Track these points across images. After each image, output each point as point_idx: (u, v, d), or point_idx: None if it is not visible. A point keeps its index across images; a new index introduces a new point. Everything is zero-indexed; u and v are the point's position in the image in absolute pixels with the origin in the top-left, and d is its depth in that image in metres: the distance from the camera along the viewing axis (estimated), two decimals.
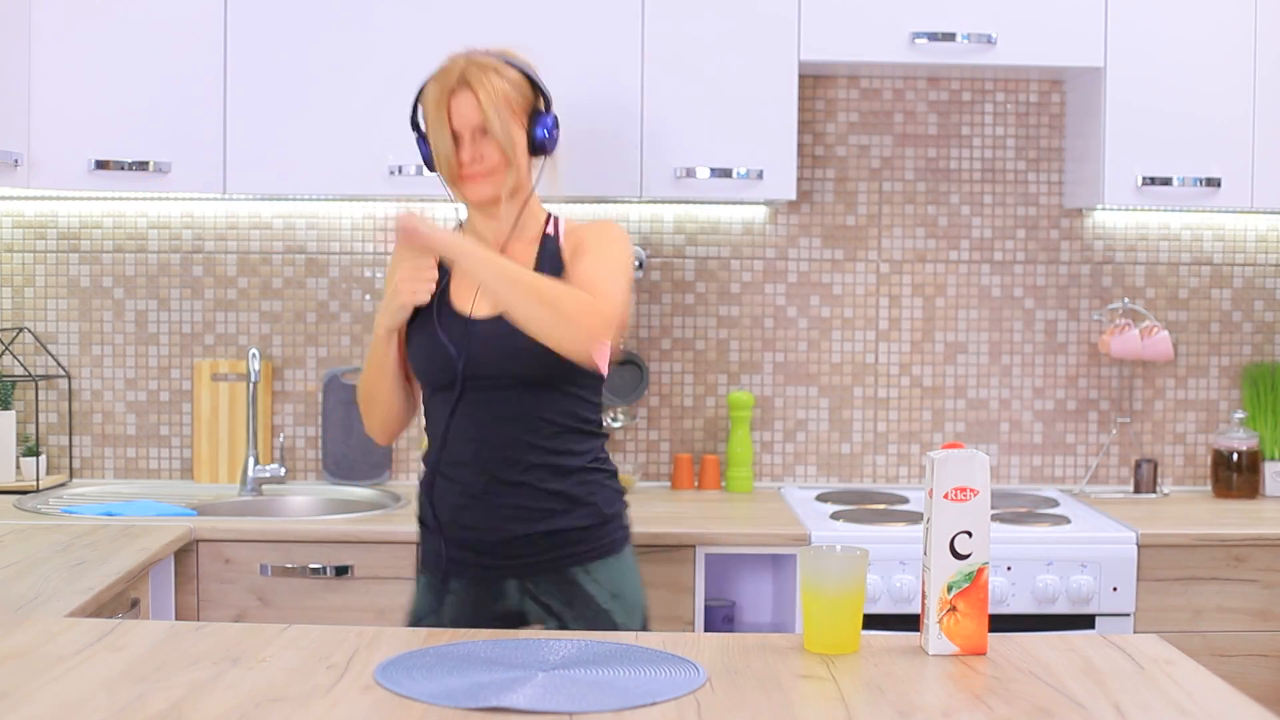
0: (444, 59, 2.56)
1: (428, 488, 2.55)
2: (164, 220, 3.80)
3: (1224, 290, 3.89)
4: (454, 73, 2.48)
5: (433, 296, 2.50)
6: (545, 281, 2.39)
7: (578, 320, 2.36)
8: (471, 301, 2.49)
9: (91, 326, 3.80)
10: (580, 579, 2.47)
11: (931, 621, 2.00)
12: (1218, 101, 3.52)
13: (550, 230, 2.58)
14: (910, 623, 3.14)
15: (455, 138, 2.48)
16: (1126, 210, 3.82)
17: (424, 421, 2.60)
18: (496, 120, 2.46)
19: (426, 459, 2.57)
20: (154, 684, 1.81)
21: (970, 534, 2.00)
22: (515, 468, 2.46)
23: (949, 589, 2.00)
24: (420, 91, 2.56)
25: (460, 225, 2.65)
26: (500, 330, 2.43)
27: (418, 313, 2.52)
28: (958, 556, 2.00)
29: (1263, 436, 3.78)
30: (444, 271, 2.54)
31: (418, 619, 2.55)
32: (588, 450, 2.52)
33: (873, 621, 2.58)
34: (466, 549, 2.49)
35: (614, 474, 2.57)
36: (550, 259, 2.53)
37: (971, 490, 2.01)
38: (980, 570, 2.00)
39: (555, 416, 2.48)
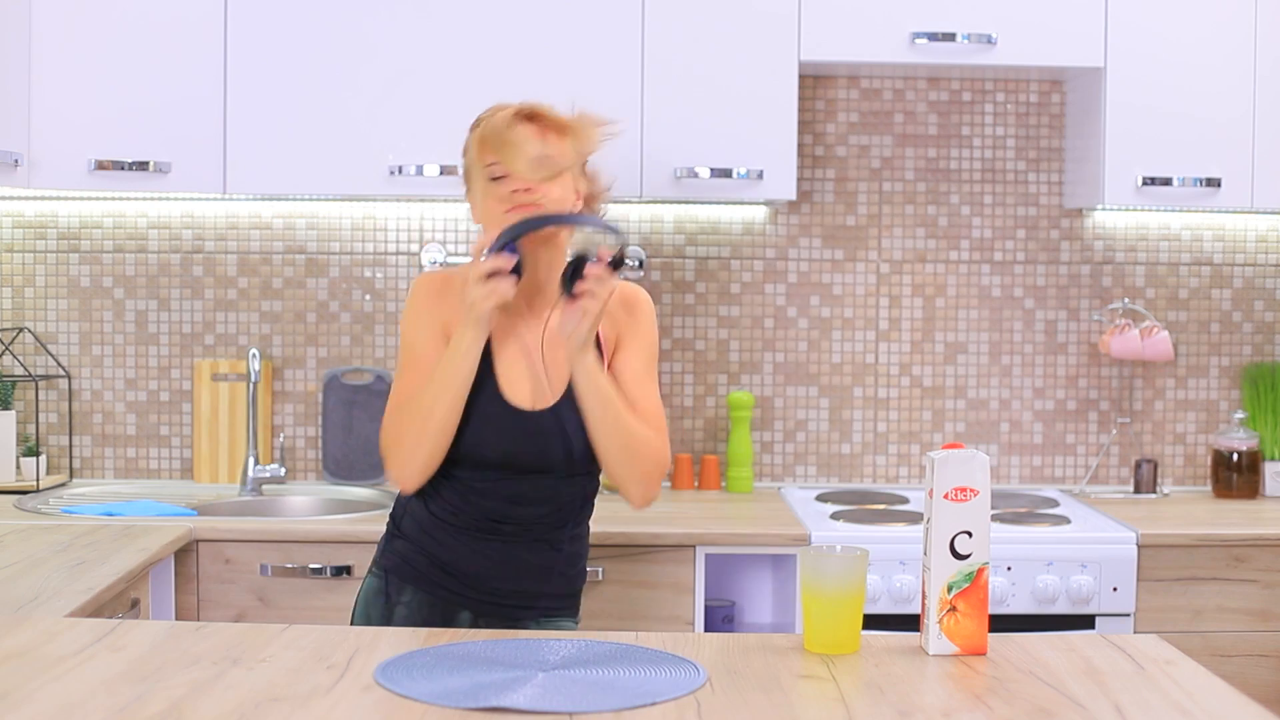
0: (495, 107, 2.41)
1: (425, 507, 2.44)
2: (164, 220, 3.80)
3: (1224, 290, 3.89)
4: (514, 108, 2.36)
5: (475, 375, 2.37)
6: (629, 420, 2.31)
7: (649, 478, 2.36)
8: (518, 385, 2.39)
9: (91, 326, 3.81)
10: (530, 628, 2.43)
11: (931, 621, 2.00)
12: (1218, 101, 3.52)
13: None
14: (910, 623, 3.14)
15: (500, 169, 2.34)
16: (1126, 210, 3.82)
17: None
18: (570, 163, 2.36)
19: (426, 507, 2.45)
20: (154, 684, 1.81)
21: (970, 534, 2.00)
22: (528, 530, 2.41)
23: (949, 589, 2.00)
24: (467, 136, 2.41)
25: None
26: (548, 427, 2.37)
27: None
28: (958, 556, 2.00)
29: (1263, 436, 3.78)
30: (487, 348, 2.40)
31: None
32: (581, 519, 2.50)
33: (873, 621, 2.57)
34: (442, 569, 2.43)
35: (587, 549, 2.56)
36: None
37: (971, 490, 2.01)
38: (980, 570, 2.01)
39: (580, 496, 2.46)
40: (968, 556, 2.00)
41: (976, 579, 2.01)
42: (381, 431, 2.39)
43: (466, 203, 2.45)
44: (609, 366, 2.42)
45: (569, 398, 2.36)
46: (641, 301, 2.47)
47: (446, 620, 2.41)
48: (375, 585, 2.48)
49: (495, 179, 2.34)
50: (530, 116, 2.35)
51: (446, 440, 2.32)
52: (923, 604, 2.03)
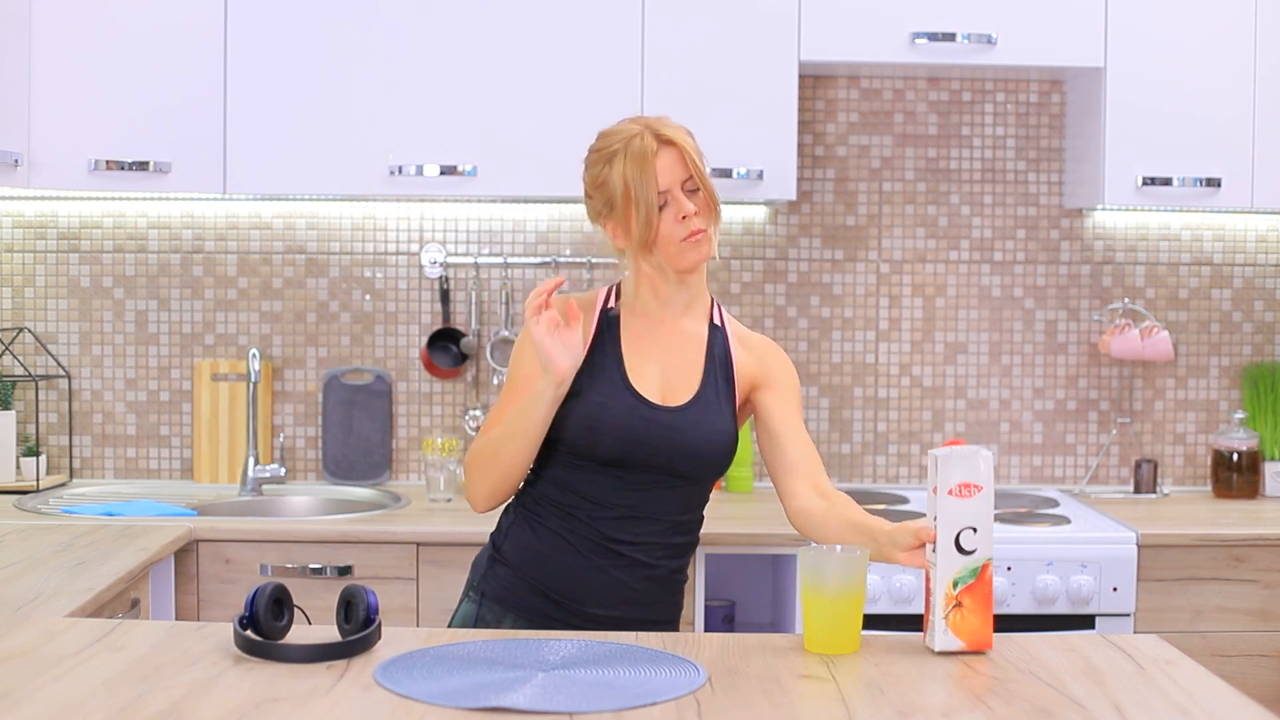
0: (617, 136, 2.37)
1: (528, 524, 2.41)
2: (164, 220, 3.80)
3: (1224, 290, 3.89)
4: (649, 131, 2.34)
5: (586, 365, 2.36)
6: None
7: None
8: (648, 381, 2.38)
9: (91, 326, 3.81)
10: None
11: (937, 618, 2.01)
12: (1218, 101, 3.52)
13: (716, 319, 2.46)
14: (910, 622, 3.14)
15: (662, 198, 2.33)
16: (1126, 210, 3.82)
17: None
18: (704, 168, 2.36)
19: (535, 497, 2.41)
20: (154, 684, 1.81)
21: (975, 530, 2.00)
22: (637, 549, 2.36)
23: (954, 585, 2.00)
24: (601, 170, 2.37)
25: (614, 297, 2.44)
26: (681, 422, 2.34)
27: (582, 380, 2.34)
28: (963, 552, 2.00)
29: (1263, 436, 3.78)
30: (609, 338, 2.40)
31: None
32: (690, 543, 2.45)
33: (873, 621, 2.57)
34: (536, 595, 2.38)
35: (688, 578, 2.50)
36: (720, 359, 2.42)
37: (976, 486, 2.01)
38: (985, 566, 2.01)
39: (687, 510, 2.41)
40: (973, 552, 2.00)
41: (981, 574, 2.01)
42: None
43: (599, 227, 2.42)
44: (751, 403, 2.45)
45: (700, 400, 2.37)
46: (780, 352, 2.51)
47: None
48: (471, 611, 2.43)
49: (663, 207, 2.33)
50: (669, 142, 2.35)
51: (513, 477, 2.33)
52: (927, 600, 2.03)
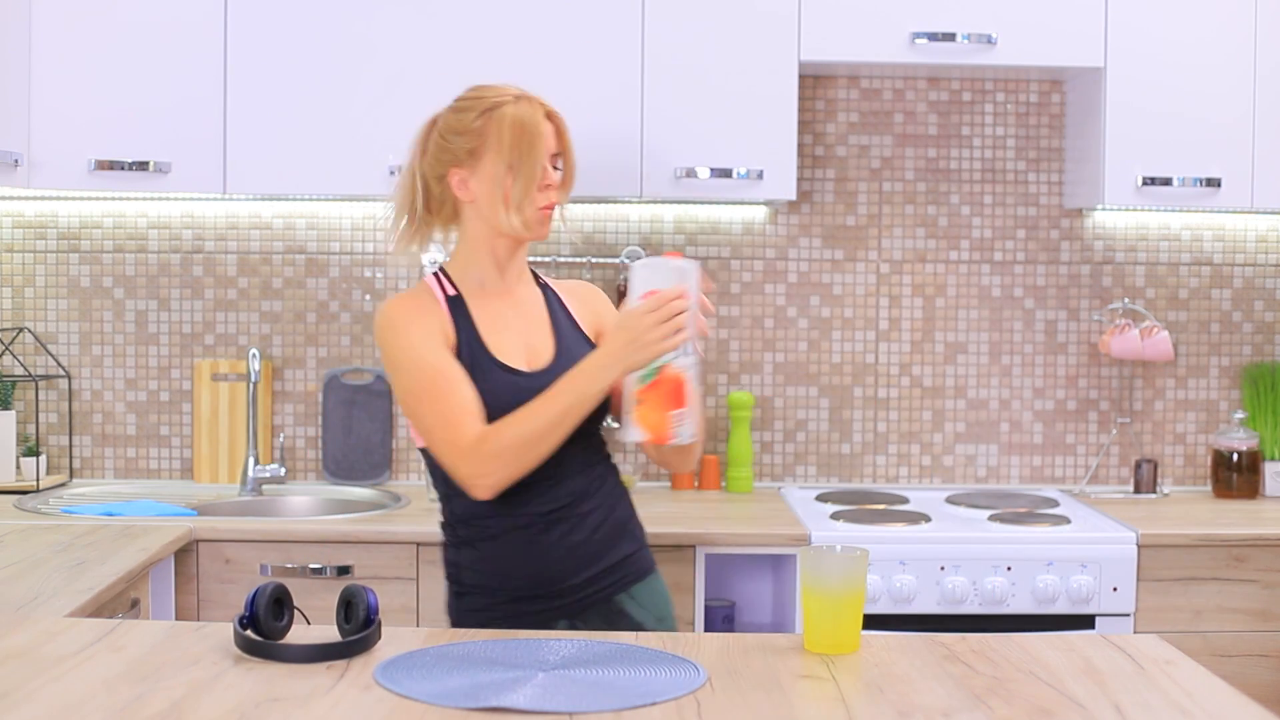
0: (498, 91, 2.41)
1: (469, 545, 2.42)
2: (164, 220, 3.80)
3: (1224, 290, 3.89)
4: (537, 103, 2.42)
5: (459, 346, 2.40)
6: None
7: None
8: (513, 352, 2.42)
9: (91, 326, 3.81)
10: (626, 605, 2.44)
11: (627, 413, 2.24)
12: (1218, 101, 3.52)
13: (541, 280, 2.55)
14: (910, 622, 3.14)
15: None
16: (1126, 210, 3.82)
17: (439, 483, 2.44)
18: (573, 152, 2.46)
19: (461, 519, 2.42)
20: (154, 684, 1.81)
21: None
22: (567, 508, 2.40)
23: (638, 383, 2.21)
24: (477, 118, 2.39)
25: (441, 270, 2.48)
26: (548, 383, 2.36)
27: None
28: None
29: (1263, 436, 3.78)
30: (464, 325, 2.41)
31: None
32: (612, 475, 2.51)
33: (873, 621, 2.58)
34: (518, 600, 2.41)
35: (625, 489, 2.56)
36: (561, 313, 2.50)
37: (654, 294, 2.20)
38: (661, 370, 2.19)
39: (590, 453, 2.46)
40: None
41: (660, 374, 2.19)
42: (452, 452, 2.31)
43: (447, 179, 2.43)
44: None
45: (563, 353, 2.45)
46: (596, 292, 2.63)
47: None
48: None
49: (534, 170, 2.40)
50: (550, 116, 2.45)
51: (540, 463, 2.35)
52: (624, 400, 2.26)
